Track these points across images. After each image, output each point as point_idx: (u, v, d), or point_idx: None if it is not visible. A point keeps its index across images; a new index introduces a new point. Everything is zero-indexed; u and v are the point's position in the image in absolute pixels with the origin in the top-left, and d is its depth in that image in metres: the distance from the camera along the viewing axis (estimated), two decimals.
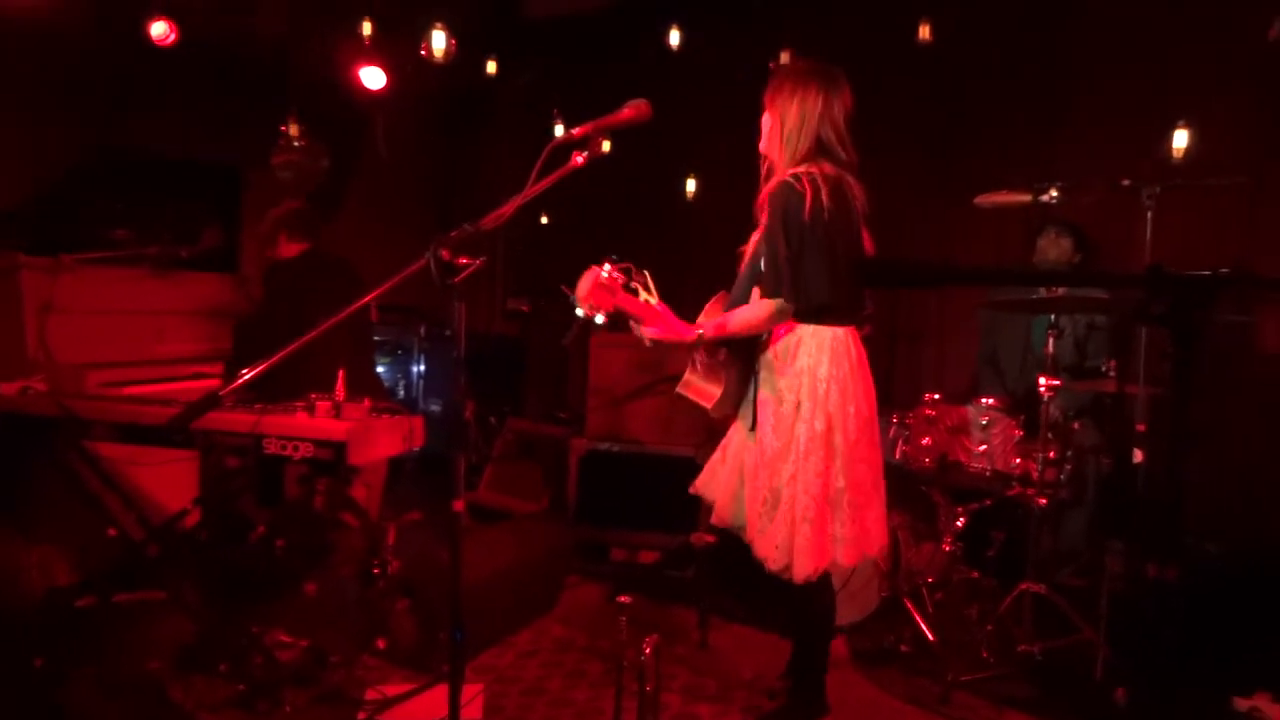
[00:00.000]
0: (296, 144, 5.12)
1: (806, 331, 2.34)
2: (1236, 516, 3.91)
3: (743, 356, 2.45)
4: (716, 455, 2.61)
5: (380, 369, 5.40)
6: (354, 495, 3.29)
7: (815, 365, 2.31)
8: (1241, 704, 2.67)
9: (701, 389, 2.51)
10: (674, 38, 4.88)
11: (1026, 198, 2.92)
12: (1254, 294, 3.76)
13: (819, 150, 2.35)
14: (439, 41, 4.56)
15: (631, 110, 1.98)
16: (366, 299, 1.69)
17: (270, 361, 1.58)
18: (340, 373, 2.66)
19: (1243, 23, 3.66)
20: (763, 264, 2.34)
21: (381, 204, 5.97)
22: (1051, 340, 3.12)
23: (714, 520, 2.57)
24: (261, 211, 3.80)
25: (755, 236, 2.44)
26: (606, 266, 2.23)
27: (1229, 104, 3.83)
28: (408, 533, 3.13)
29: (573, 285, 2.25)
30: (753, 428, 2.43)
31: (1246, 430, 3.89)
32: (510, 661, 3.05)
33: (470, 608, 1.90)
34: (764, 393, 2.40)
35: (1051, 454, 3.13)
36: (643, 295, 2.36)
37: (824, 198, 2.25)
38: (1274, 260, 3.79)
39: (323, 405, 2.59)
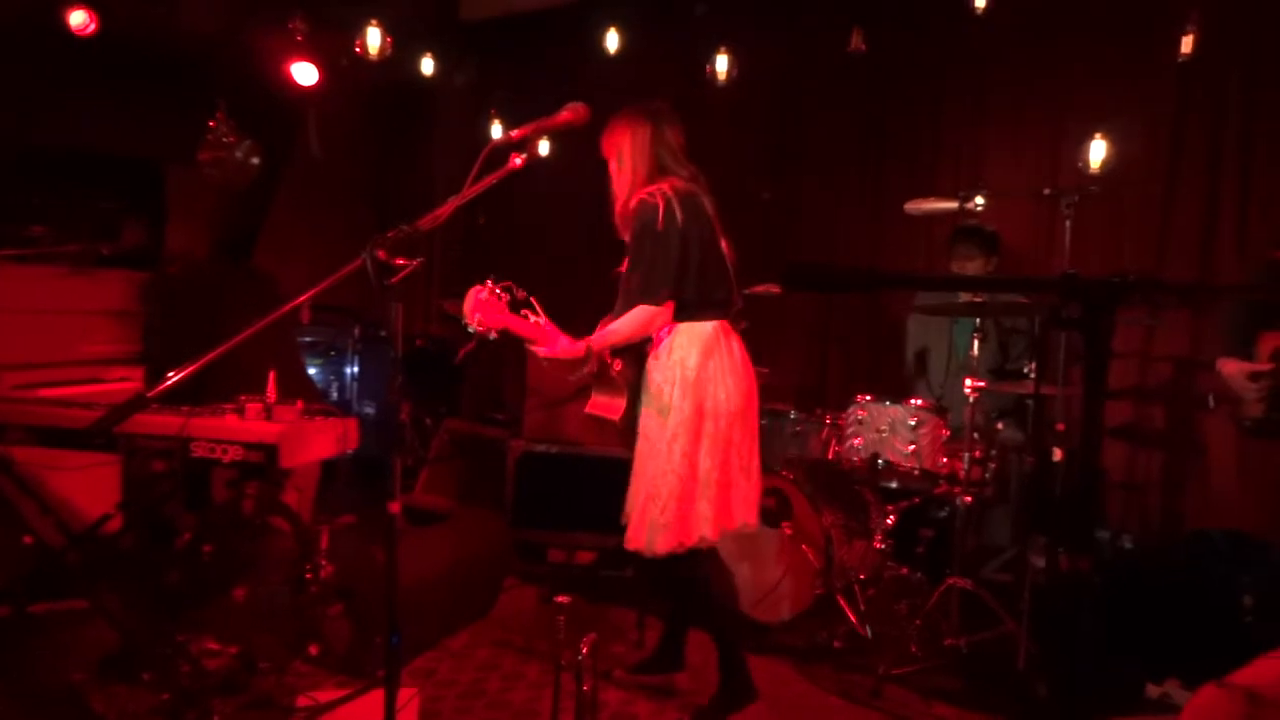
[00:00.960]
0: (225, 140, 4.98)
1: (681, 328, 2.53)
2: (1151, 511, 4.09)
3: (635, 365, 2.60)
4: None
5: (313, 371, 5.29)
6: (285, 499, 3.22)
7: (686, 356, 2.50)
8: (1153, 691, 2.80)
9: (607, 403, 2.64)
10: (612, 40, 4.90)
11: (954, 205, 3.01)
12: (1164, 298, 3.94)
13: (660, 170, 2.55)
14: (374, 39, 4.50)
15: (570, 113, 2.00)
16: (303, 297, 1.66)
17: (200, 363, 1.55)
18: (271, 374, 2.62)
19: (1152, 40, 3.84)
20: (629, 273, 2.51)
21: (315, 203, 5.85)
22: (976, 343, 3.22)
23: (622, 519, 2.68)
24: (186, 208, 3.71)
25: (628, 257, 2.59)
26: (488, 285, 2.31)
27: (1142, 117, 4.01)
28: (342, 536, 3.08)
29: (459, 305, 2.32)
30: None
31: (1158, 428, 4.08)
32: (447, 664, 3.03)
33: (406, 611, 1.88)
34: (647, 391, 2.58)
35: (977, 453, 3.24)
36: (533, 318, 2.45)
37: (675, 207, 2.44)
38: (1184, 265, 3.98)
39: (253, 407, 2.54)
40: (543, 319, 2.46)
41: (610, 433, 4.11)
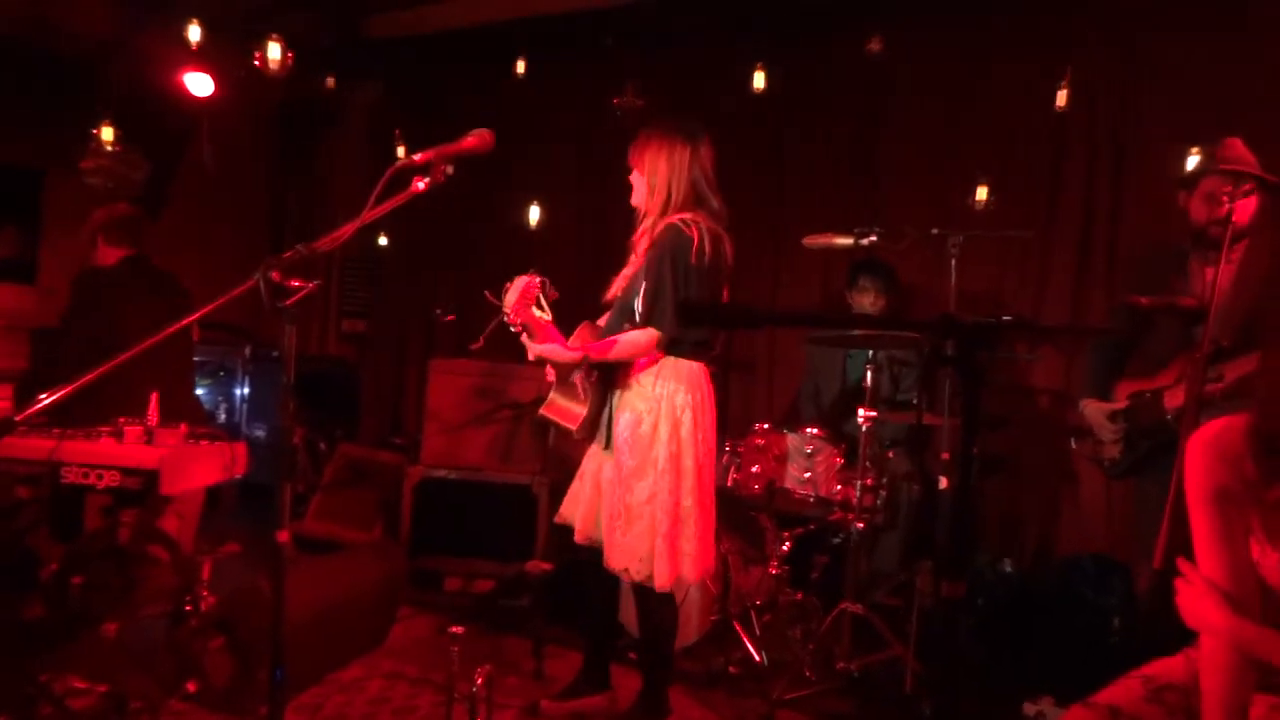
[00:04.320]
0: (110, 149, 4.77)
1: (668, 362, 2.54)
2: (1029, 537, 4.30)
3: (604, 381, 2.60)
4: (576, 483, 2.75)
5: (200, 391, 5.07)
6: (165, 526, 3.07)
7: (674, 393, 2.52)
8: (1029, 709, 2.92)
9: (567, 410, 2.62)
10: (520, 66, 4.91)
11: (849, 240, 3.13)
12: (1036, 338, 4.18)
13: (696, 200, 2.55)
14: (274, 53, 4.38)
15: (475, 139, 2.00)
16: (191, 318, 1.60)
17: (77, 384, 1.47)
18: (154, 395, 2.50)
19: (1031, 91, 4.09)
20: (642, 296, 2.50)
21: (206, 218, 5.65)
22: (869, 374, 3.34)
23: (577, 539, 2.70)
24: (67, 218, 3.52)
25: (627, 271, 2.61)
26: (533, 276, 2.38)
27: (1024, 165, 4.27)
28: (225, 566, 2.95)
29: (496, 293, 2.39)
30: (607, 445, 2.60)
31: (1036, 457, 4.30)
32: (336, 699, 2.92)
33: (294, 643, 1.82)
34: (624, 415, 2.56)
35: (869, 481, 3.34)
36: (537, 312, 2.46)
37: (707, 245, 2.46)
38: (1060, 307, 4.23)
39: (132, 430, 2.42)
40: (549, 316, 2.47)
41: (512, 458, 4.10)
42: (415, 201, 1.89)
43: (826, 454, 3.45)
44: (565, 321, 2.68)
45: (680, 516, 2.50)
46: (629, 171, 2.67)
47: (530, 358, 2.52)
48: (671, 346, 2.52)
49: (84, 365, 1.49)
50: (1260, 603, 1.47)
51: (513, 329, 2.40)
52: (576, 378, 2.58)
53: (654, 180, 2.56)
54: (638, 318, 2.51)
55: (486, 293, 2.45)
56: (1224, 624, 1.44)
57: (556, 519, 2.78)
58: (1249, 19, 3.73)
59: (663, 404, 2.50)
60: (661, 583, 2.49)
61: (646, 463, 2.50)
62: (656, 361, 2.53)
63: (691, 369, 2.55)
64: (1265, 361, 1.43)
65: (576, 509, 2.72)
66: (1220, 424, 1.50)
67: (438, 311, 4.69)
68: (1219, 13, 3.81)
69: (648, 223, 2.58)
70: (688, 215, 2.49)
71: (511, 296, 2.36)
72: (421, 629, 3.62)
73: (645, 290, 2.49)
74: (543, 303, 2.47)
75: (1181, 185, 2.82)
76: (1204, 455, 1.49)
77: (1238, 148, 2.73)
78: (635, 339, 2.49)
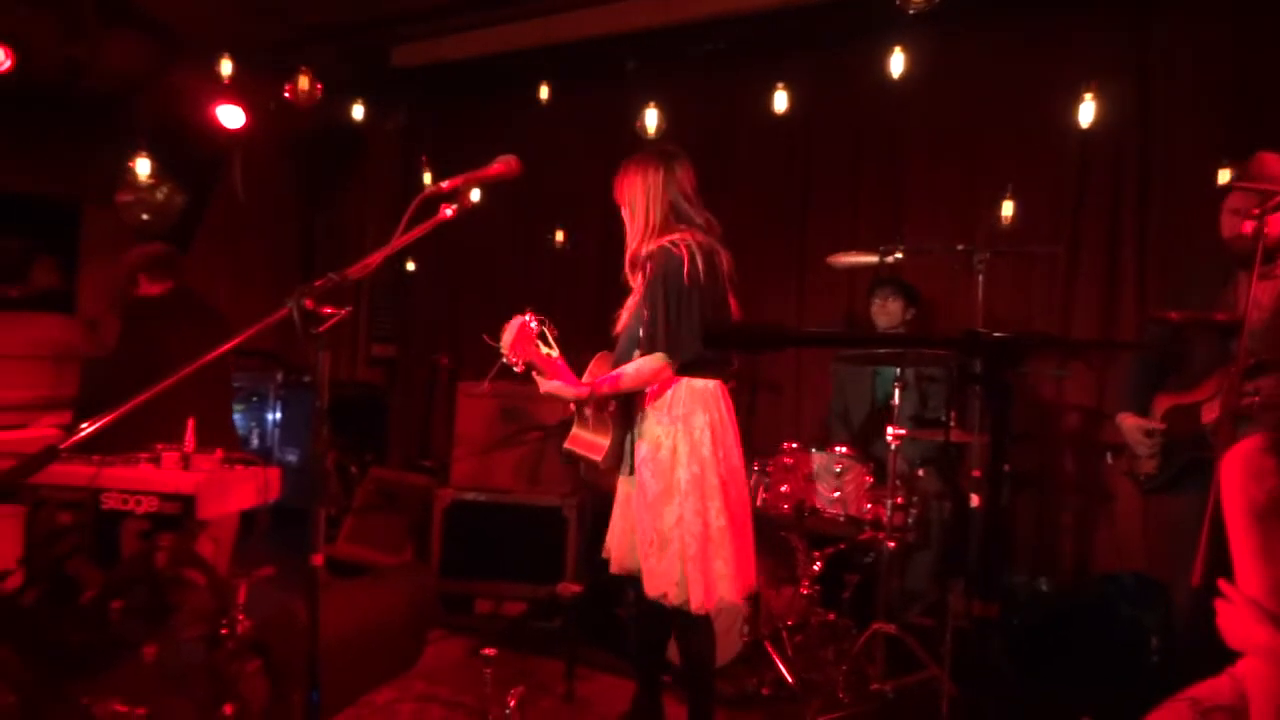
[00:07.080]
0: (145, 181, 4.89)
1: (682, 384, 2.50)
2: (1064, 554, 4.24)
3: (624, 409, 2.58)
4: (615, 512, 2.71)
5: (234, 416, 5.15)
6: (201, 550, 3.11)
7: (690, 414, 2.48)
8: None
9: (590, 442, 2.61)
10: (544, 91, 4.97)
11: (874, 258, 3.13)
12: (1067, 351, 4.13)
13: (678, 218, 2.53)
14: (304, 84, 4.48)
15: (502, 165, 2.03)
16: (226, 346, 1.63)
17: (119, 411, 1.51)
18: (190, 422, 2.55)
19: (1055, 109, 4.07)
20: (644, 323, 2.48)
21: (238, 247, 5.75)
22: (897, 392, 3.32)
23: (613, 569, 2.67)
24: (103, 249, 3.59)
25: (630, 301, 2.60)
26: (529, 316, 2.38)
27: (1049, 181, 4.24)
28: (260, 589, 2.98)
29: (494, 335, 2.42)
30: (631, 471, 2.57)
31: (1070, 474, 4.25)
32: None
33: (327, 666, 1.83)
34: (643, 441, 2.54)
35: (899, 500, 3.32)
36: (544, 349, 2.46)
37: (699, 262, 2.43)
38: (1088, 322, 4.19)
39: (170, 456, 2.47)
40: (556, 352, 2.48)
41: (541, 480, 4.12)
42: (444, 227, 1.92)
43: (856, 473, 3.43)
44: (587, 349, 2.70)
45: (711, 537, 2.46)
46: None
47: (541, 392, 2.52)
48: (685, 368, 2.49)
49: (131, 392, 1.53)
50: None
51: (515, 369, 2.41)
52: (589, 410, 2.58)
53: (634, 208, 2.56)
54: (642, 345, 2.49)
55: (485, 336, 2.47)
56: (1269, 642, 1.41)
57: (603, 553, 2.73)
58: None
59: (679, 426, 2.47)
60: (698, 605, 2.44)
61: (670, 486, 2.47)
62: (671, 385, 2.51)
63: (707, 388, 2.52)
64: None
65: (613, 538, 2.69)
66: (1251, 442, 1.48)
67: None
68: (1241, 29, 3.79)
69: (634, 249, 2.58)
70: (674, 235, 2.48)
71: (508, 338, 2.37)
72: (453, 651, 3.63)
73: (645, 317, 2.47)
74: (549, 339, 2.48)
75: (1219, 198, 2.78)
76: (1237, 473, 1.47)
77: (1269, 163, 2.66)
78: (641, 367, 2.46)
